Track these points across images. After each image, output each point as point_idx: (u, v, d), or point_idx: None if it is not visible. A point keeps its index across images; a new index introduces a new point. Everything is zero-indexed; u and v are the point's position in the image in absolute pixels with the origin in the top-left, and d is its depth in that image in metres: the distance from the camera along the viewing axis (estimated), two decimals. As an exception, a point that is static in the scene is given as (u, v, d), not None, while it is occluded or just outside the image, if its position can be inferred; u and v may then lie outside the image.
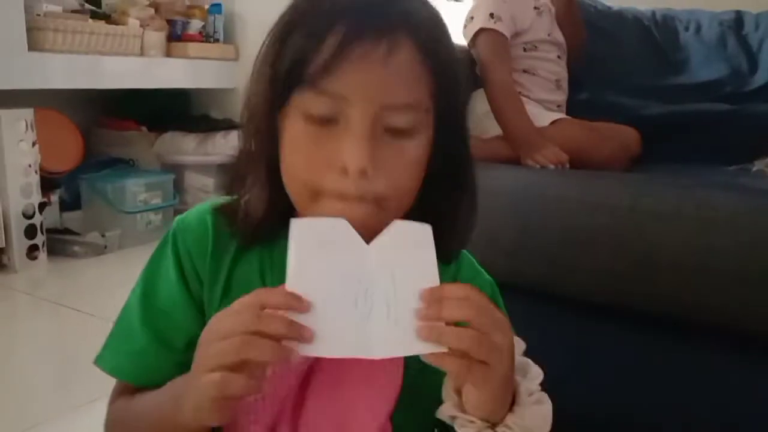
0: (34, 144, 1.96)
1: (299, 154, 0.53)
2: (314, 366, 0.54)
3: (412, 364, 0.53)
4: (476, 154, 1.32)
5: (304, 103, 0.51)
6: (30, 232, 1.94)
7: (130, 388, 0.60)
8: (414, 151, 0.53)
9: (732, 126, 1.42)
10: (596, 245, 0.93)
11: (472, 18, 1.36)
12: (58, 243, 2.09)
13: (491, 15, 1.32)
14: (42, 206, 1.99)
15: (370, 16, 0.51)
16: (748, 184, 1.11)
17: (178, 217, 0.62)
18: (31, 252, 1.94)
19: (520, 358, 0.52)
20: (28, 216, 1.93)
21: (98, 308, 1.62)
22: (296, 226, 0.49)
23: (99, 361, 0.60)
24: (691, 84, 1.54)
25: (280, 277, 0.50)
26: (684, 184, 1.00)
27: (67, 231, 2.17)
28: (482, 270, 0.65)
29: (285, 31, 0.54)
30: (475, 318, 0.47)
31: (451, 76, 0.55)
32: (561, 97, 1.44)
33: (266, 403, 0.54)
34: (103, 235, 2.12)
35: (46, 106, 2.17)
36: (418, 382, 0.55)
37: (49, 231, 2.07)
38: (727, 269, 0.85)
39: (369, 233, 0.51)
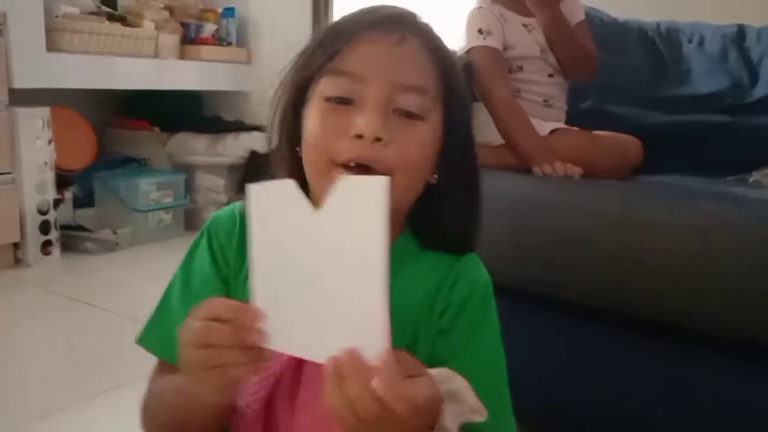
0: (50, 142, 2.01)
1: (316, 126, 0.58)
2: None
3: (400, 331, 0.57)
4: (483, 161, 1.35)
5: (324, 87, 0.58)
6: (44, 227, 1.99)
7: (168, 366, 0.62)
8: (423, 133, 0.58)
9: (732, 137, 1.44)
10: (592, 251, 0.96)
11: (464, 36, 1.36)
12: (71, 239, 2.14)
13: (480, 31, 1.33)
14: (56, 203, 2.04)
15: (384, 19, 0.60)
16: (742, 193, 1.14)
17: (213, 214, 0.68)
18: (45, 247, 1.99)
19: (456, 409, 0.49)
20: (42, 212, 1.98)
21: (110, 303, 1.66)
22: (253, 193, 0.47)
23: (141, 341, 0.65)
24: (693, 95, 1.57)
25: None
26: (678, 193, 1.04)
27: (80, 228, 2.21)
28: (483, 268, 0.67)
29: (316, 44, 0.61)
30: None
31: (455, 76, 0.61)
32: (552, 115, 1.42)
33: (261, 378, 0.57)
34: (115, 233, 2.17)
35: (62, 105, 2.22)
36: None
37: (63, 227, 2.12)
38: (719, 276, 0.88)
39: None
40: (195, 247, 0.66)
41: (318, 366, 0.48)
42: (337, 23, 0.61)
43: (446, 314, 0.60)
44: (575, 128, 1.39)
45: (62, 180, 2.17)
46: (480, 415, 0.50)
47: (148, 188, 2.31)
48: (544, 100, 1.41)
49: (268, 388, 0.58)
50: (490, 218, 1.07)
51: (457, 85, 0.62)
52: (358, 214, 0.44)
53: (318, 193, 0.56)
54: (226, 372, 0.47)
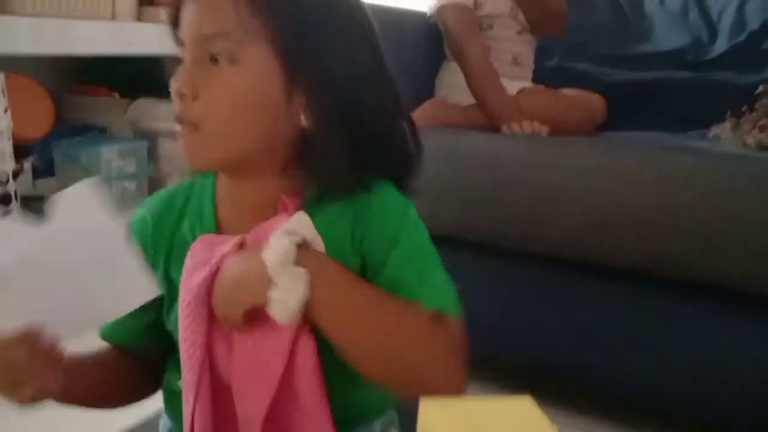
0: (6, 110, 1.94)
1: None
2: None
3: None
4: (455, 122, 1.37)
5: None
6: (4, 199, 1.94)
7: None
8: (232, 77, 0.56)
9: (692, 93, 1.48)
10: (564, 205, 1.00)
11: None
12: (33, 210, 2.09)
13: None
14: (15, 174, 1.99)
15: None
16: (703, 147, 1.18)
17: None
18: (6, 219, 1.95)
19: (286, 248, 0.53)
20: (2, 183, 1.93)
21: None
22: None
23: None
24: (655, 52, 1.60)
25: (202, 227, 0.62)
26: (644, 148, 1.07)
27: (42, 198, 2.16)
28: (394, 191, 0.62)
29: None
30: None
31: (279, 6, 0.56)
32: (520, 73, 1.44)
33: (196, 329, 0.59)
34: (78, 202, 2.13)
35: (15, 71, 2.14)
36: None
37: (23, 199, 2.06)
38: (684, 224, 0.92)
39: (193, 158, 0.59)
40: None
41: None
42: None
43: (366, 240, 0.59)
44: (541, 87, 1.41)
45: (20, 150, 2.10)
46: (317, 245, 0.54)
47: (110, 156, 2.26)
48: (513, 58, 1.42)
49: (204, 335, 0.59)
50: (466, 177, 1.10)
51: (284, 11, 0.56)
52: (86, 214, 0.52)
53: None
54: (26, 386, 0.53)
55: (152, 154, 2.42)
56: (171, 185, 0.70)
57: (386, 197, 0.61)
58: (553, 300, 1.05)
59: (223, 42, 0.56)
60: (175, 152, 2.50)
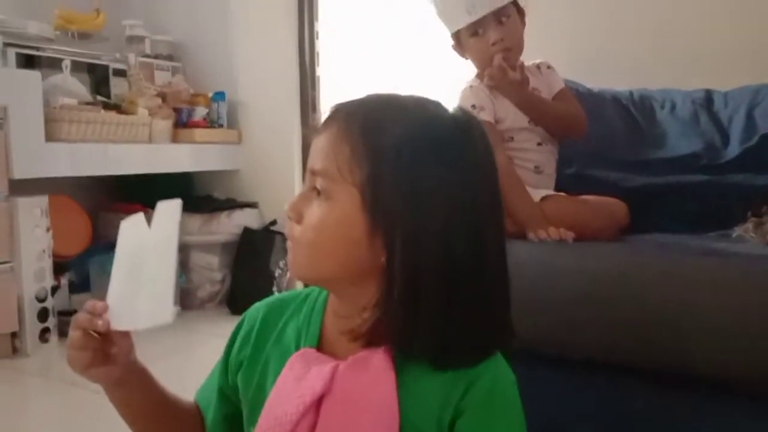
0: (48, 230, 2.04)
1: None
2: (326, 392, 0.64)
3: (408, 414, 0.63)
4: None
5: None
6: (42, 315, 1.99)
7: None
8: (322, 211, 0.65)
9: (710, 195, 1.52)
10: (594, 309, 1.01)
11: None
12: (68, 325, 2.12)
13: (473, 106, 1.41)
14: (54, 290, 2.05)
15: (328, 114, 0.69)
16: (728, 249, 1.20)
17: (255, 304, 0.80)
18: (43, 335, 1.99)
19: None
20: (40, 299, 1.99)
21: (112, 388, 1.65)
22: (121, 223, 0.70)
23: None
24: (670, 157, 1.65)
25: (306, 337, 0.70)
26: (669, 251, 1.10)
27: (77, 313, 2.21)
28: (504, 367, 0.72)
29: None
30: None
31: (382, 162, 0.62)
32: (542, 181, 1.48)
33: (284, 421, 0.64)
34: (111, 316, 2.17)
35: (57, 191, 2.26)
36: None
37: (60, 313, 2.12)
38: (711, 325, 0.93)
39: (292, 269, 0.69)
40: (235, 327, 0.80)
41: (334, 407, 0.62)
42: None
43: (461, 412, 0.64)
44: (563, 194, 1.46)
45: (58, 266, 2.18)
46: None
47: (143, 270, 2.32)
48: (535, 167, 1.48)
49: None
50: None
51: (388, 169, 0.62)
52: (165, 224, 0.67)
53: None
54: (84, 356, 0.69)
55: (184, 266, 2.50)
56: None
57: (499, 385, 0.68)
58: (590, 404, 1.04)
59: (324, 180, 0.64)
60: (205, 263, 2.57)
